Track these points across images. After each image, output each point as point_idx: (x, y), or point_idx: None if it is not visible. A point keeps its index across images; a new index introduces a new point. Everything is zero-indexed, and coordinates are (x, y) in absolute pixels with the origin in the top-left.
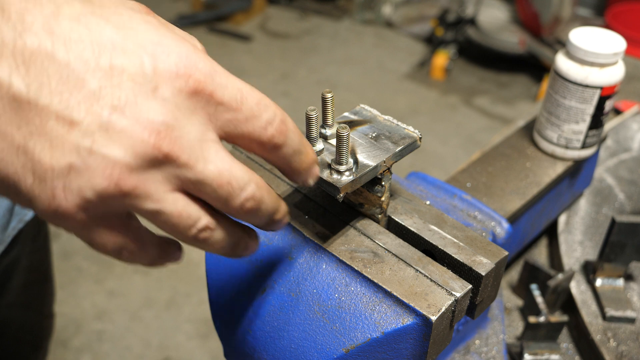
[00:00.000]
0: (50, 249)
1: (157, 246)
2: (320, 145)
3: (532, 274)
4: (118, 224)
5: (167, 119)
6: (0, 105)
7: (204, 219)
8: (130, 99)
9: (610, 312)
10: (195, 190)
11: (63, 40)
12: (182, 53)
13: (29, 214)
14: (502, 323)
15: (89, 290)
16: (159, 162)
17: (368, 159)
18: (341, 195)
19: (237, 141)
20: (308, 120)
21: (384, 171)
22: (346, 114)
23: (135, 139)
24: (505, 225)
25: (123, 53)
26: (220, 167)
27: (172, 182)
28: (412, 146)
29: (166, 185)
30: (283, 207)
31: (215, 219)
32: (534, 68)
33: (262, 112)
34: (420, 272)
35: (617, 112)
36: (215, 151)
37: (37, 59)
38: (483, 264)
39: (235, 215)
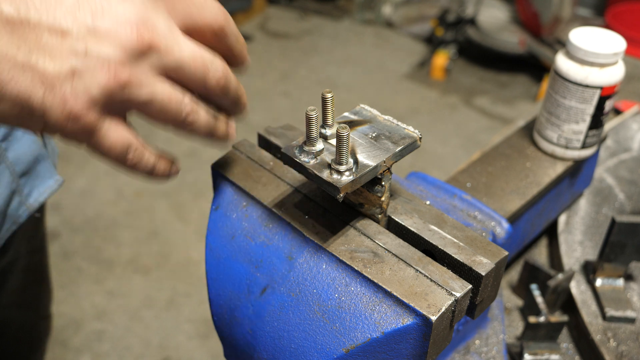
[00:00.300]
0: (48, 250)
1: (155, 153)
2: (320, 145)
3: (532, 274)
4: (122, 122)
5: (141, 14)
6: None
7: (187, 101)
8: (105, 5)
9: (610, 312)
10: (176, 74)
11: None
12: None
13: (22, 216)
14: (502, 323)
15: (89, 290)
16: (143, 52)
17: (368, 159)
18: (341, 195)
19: (192, 33)
20: (308, 120)
21: (384, 171)
22: (346, 114)
23: (120, 35)
24: (505, 225)
25: None
26: (193, 49)
27: (157, 69)
28: (412, 146)
29: (153, 72)
30: (243, 92)
31: (195, 102)
32: (534, 68)
33: (209, 2)
34: (420, 272)
35: (617, 112)
36: (183, 38)
37: None
38: (483, 264)
39: (211, 94)
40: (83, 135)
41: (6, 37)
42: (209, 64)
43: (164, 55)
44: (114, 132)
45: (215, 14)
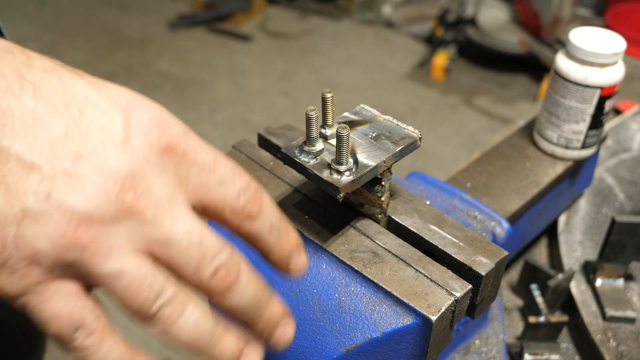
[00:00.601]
0: None
1: (125, 343)
2: (320, 145)
3: (532, 274)
4: (75, 290)
5: (134, 171)
6: None
7: (170, 289)
8: (98, 148)
9: (610, 312)
10: (161, 253)
11: (32, 87)
12: (156, 111)
13: None
14: (502, 323)
15: None
16: (121, 215)
17: (368, 159)
18: (341, 195)
19: (209, 210)
20: (308, 120)
21: (384, 171)
22: (346, 114)
23: (97, 187)
24: (505, 225)
25: (95, 106)
26: (190, 227)
27: (137, 241)
28: (412, 146)
29: (130, 244)
30: (276, 305)
31: (184, 295)
32: (534, 68)
33: (236, 178)
34: (420, 272)
35: (617, 112)
36: (185, 212)
37: (2, 100)
38: (483, 264)
39: (207, 291)
40: (16, 292)
41: None
42: (207, 249)
43: (148, 226)
44: (60, 301)
45: (238, 191)
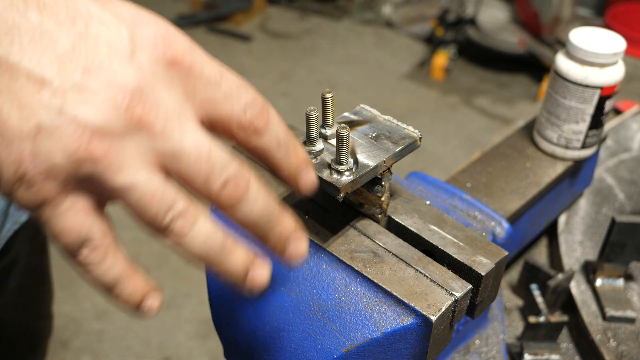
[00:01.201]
0: (49, 250)
1: (127, 261)
2: (320, 145)
3: (532, 274)
4: (87, 206)
5: (142, 85)
6: None
7: (181, 203)
8: (105, 62)
9: (610, 312)
10: (171, 166)
11: (37, 3)
12: (161, 25)
13: (24, 216)
14: (502, 323)
15: (89, 290)
16: (131, 129)
17: (368, 159)
18: (341, 195)
19: (216, 126)
20: (308, 120)
21: (384, 171)
22: (346, 114)
23: (107, 101)
24: (505, 225)
25: (100, 21)
26: (199, 141)
27: (147, 155)
28: (412, 146)
29: (140, 157)
30: (287, 220)
31: (195, 208)
32: (534, 68)
33: (242, 93)
34: (420, 272)
35: (617, 112)
36: (193, 126)
37: (7, 18)
38: (483, 264)
39: (217, 203)
40: (32, 205)
41: None
42: (216, 163)
43: (158, 139)
44: (71, 217)
45: (244, 106)
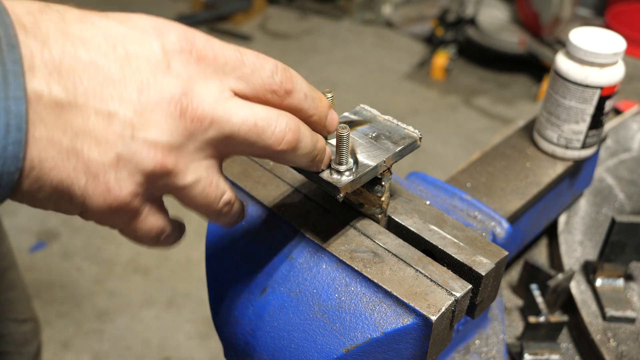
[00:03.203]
0: (11, 256)
1: (176, 226)
2: None
3: (532, 274)
4: (160, 207)
5: (185, 89)
6: (45, 114)
7: (229, 192)
8: (151, 80)
9: (610, 312)
10: (227, 147)
11: (80, 41)
12: (179, 30)
13: None
14: (502, 323)
15: (89, 290)
16: (189, 131)
17: (368, 159)
18: (341, 195)
19: (251, 98)
20: None
21: (384, 171)
22: (346, 114)
23: (165, 115)
24: (505, 225)
25: (133, 40)
26: (243, 113)
27: (204, 149)
28: (412, 146)
29: (199, 154)
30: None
31: (238, 200)
32: (534, 68)
33: (264, 63)
34: (420, 272)
35: (617, 112)
36: (234, 103)
37: (65, 63)
38: (483, 264)
39: (275, 157)
40: (122, 222)
41: (54, 121)
42: (263, 124)
43: (211, 130)
44: (152, 219)
45: (270, 73)
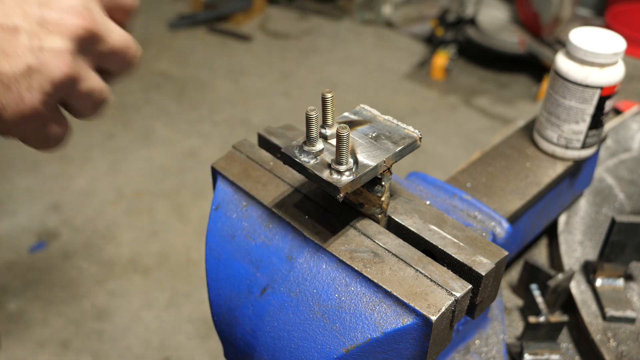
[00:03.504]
0: None
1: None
2: (320, 145)
3: (532, 274)
4: (60, 112)
5: (82, 1)
6: None
7: (105, 90)
8: None
9: (610, 312)
10: (106, 60)
11: None
12: None
13: None
14: (502, 323)
15: (89, 290)
16: (87, 41)
17: (368, 159)
18: (341, 195)
19: (111, 14)
20: (308, 120)
21: (384, 171)
22: (346, 114)
23: (68, 25)
24: (505, 225)
25: None
26: (121, 34)
27: (92, 59)
28: (412, 146)
29: (90, 63)
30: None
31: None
32: (534, 68)
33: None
34: (420, 272)
35: (617, 112)
36: (112, 23)
37: None
38: (483, 264)
39: (121, 67)
40: (31, 130)
41: None
42: (131, 45)
43: (101, 43)
44: (58, 125)
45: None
